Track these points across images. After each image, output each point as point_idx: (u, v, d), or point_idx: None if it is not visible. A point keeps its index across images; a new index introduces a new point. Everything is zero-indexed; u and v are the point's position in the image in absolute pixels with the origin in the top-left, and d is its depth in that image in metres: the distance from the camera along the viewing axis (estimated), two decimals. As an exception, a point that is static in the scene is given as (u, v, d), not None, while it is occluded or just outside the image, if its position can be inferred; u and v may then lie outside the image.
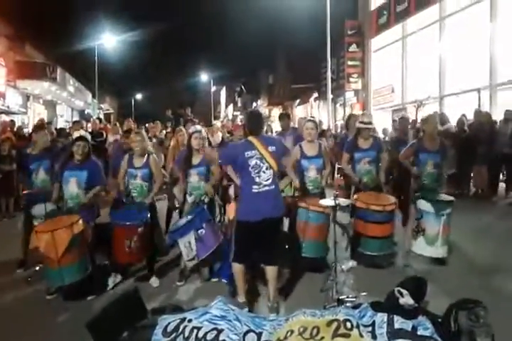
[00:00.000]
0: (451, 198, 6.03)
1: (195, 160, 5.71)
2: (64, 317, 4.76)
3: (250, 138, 4.69)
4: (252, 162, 4.56)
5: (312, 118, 6.30)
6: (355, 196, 5.97)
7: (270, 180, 4.59)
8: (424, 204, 5.81)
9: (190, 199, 5.62)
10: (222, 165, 4.93)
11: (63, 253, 4.87)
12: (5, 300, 5.26)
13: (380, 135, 14.91)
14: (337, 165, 9.26)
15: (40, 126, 6.93)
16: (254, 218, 4.55)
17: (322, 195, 5.95)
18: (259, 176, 4.56)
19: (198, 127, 5.96)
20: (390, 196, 6.07)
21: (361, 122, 6.34)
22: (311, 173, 5.92)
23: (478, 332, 3.49)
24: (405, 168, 6.38)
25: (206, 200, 5.63)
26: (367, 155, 6.19)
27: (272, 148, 4.62)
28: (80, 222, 5.14)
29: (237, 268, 4.68)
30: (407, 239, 6.08)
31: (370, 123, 6.36)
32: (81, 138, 5.72)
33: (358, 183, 6.18)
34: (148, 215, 5.48)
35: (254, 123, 4.80)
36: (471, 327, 3.53)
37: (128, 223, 5.26)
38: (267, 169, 4.57)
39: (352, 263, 5.79)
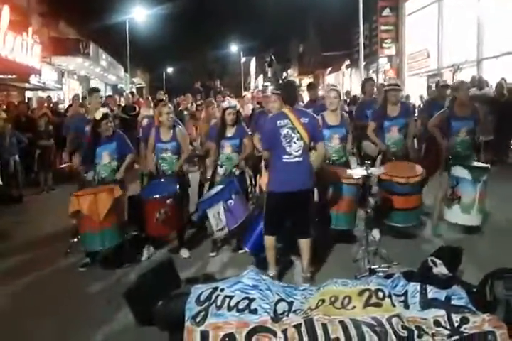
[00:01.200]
0: (487, 165, 5.87)
1: (229, 132, 5.73)
2: (100, 286, 4.90)
3: (284, 109, 4.69)
4: (284, 131, 4.53)
5: (335, 87, 6.15)
6: (382, 167, 5.82)
7: (300, 151, 4.54)
8: (460, 171, 5.65)
9: (221, 170, 5.65)
10: (263, 149, 4.83)
11: (105, 216, 5.13)
12: (44, 270, 5.44)
13: (417, 102, 14.59)
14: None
15: (93, 90, 6.96)
16: (284, 189, 4.54)
17: (346, 165, 5.85)
18: (289, 146, 4.52)
19: (233, 103, 5.92)
20: (417, 166, 5.88)
21: (388, 85, 6.22)
22: (334, 143, 5.78)
23: (515, 302, 3.42)
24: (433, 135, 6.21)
25: (237, 173, 5.65)
26: (396, 123, 5.99)
27: (304, 120, 4.58)
28: (119, 187, 5.39)
29: (269, 241, 4.67)
30: (438, 208, 5.96)
31: (397, 85, 6.22)
32: (105, 116, 5.61)
33: (385, 152, 6.02)
34: (178, 187, 5.52)
35: (288, 93, 4.81)
36: (507, 296, 3.47)
37: (156, 196, 5.34)
38: (297, 140, 4.52)
39: (376, 233, 5.73)
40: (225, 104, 5.88)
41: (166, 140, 5.76)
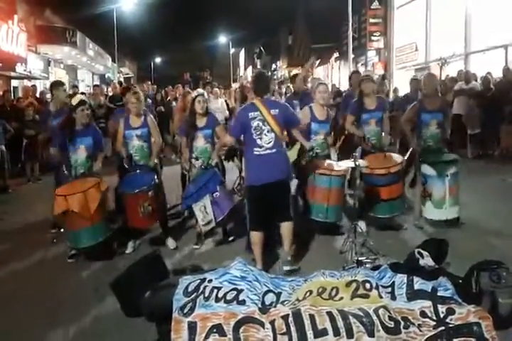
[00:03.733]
0: (455, 156, 5.92)
1: (200, 122, 5.62)
2: (87, 277, 4.88)
3: (254, 100, 4.67)
4: (254, 123, 4.52)
5: (324, 81, 6.17)
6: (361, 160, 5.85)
7: (272, 143, 4.54)
8: (426, 168, 5.73)
9: (197, 163, 5.56)
10: (233, 137, 4.78)
11: (95, 211, 5.07)
12: (30, 261, 5.40)
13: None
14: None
15: (57, 83, 6.94)
16: (260, 182, 4.54)
17: (328, 158, 5.93)
18: (260, 138, 4.52)
19: (201, 91, 5.86)
20: (397, 155, 5.95)
21: (362, 76, 6.33)
22: (319, 137, 5.81)
23: (500, 293, 3.47)
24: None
25: (213, 163, 5.61)
26: (374, 116, 6.02)
27: (274, 111, 4.56)
28: (103, 181, 5.31)
29: (256, 236, 4.66)
30: (417, 205, 6.03)
31: (369, 76, 6.31)
32: (82, 102, 5.52)
33: (364, 142, 6.02)
34: (155, 177, 5.48)
35: (259, 84, 4.77)
36: (492, 288, 3.52)
37: (137, 190, 5.26)
38: (268, 132, 4.52)
39: (362, 224, 5.77)
40: (194, 93, 5.82)
41: (136, 126, 5.62)
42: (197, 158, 5.57)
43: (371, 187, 5.66)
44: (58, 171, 5.85)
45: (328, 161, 5.73)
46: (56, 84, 6.80)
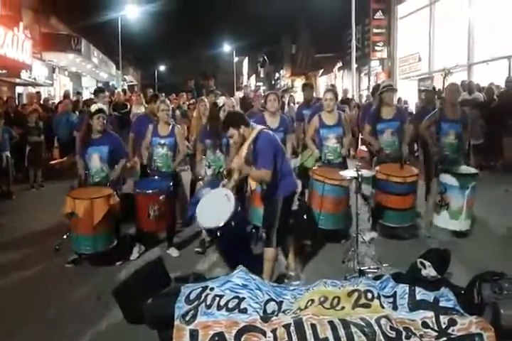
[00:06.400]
0: (476, 170, 5.92)
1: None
2: (90, 284, 4.88)
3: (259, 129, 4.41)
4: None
5: (331, 88, 6.18)
6: (377, 167, 5.87)
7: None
8: (448, 178, 5.70)
9: (209, 171, 5.63)
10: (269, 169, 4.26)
11: (99, 222, 5.09)
12: (33, 267, 5.39)
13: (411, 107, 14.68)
14: (360, 136, 9.17)
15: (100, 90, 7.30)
16: (290, 192, 4.49)
17: (343, 165, 5.90)
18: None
19: (227, 100, 5.88)
20: (412, 167, 5.95)
21: (383, 86, 6.26)
22: (330, 142, 5.85)
23: (502, 304, 3.46)
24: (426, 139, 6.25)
25: (225, 172, 5.59)
26: (390, 126, 6.02)
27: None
28: (115, 195, 5.33)
29: (272, 253, 4.44)
30: (429, 212, 6.01)
31: (391, 85, 6.29)
32: (100, 110, 5.55)
33: (379, 152, 6.06)
34: (171, 184, 5.51)
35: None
36: (494, 299, 3.51)
37: (149, 191, 5.34)
38: None
39: (373, 235, 5.81)
40: (219, 101, 5.80)
41: (164, 135, 5.72)
42: (209, 166, 5.61)
43: (385, 194, 5.66)
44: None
45: (336, 169, 5.69)
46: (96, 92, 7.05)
